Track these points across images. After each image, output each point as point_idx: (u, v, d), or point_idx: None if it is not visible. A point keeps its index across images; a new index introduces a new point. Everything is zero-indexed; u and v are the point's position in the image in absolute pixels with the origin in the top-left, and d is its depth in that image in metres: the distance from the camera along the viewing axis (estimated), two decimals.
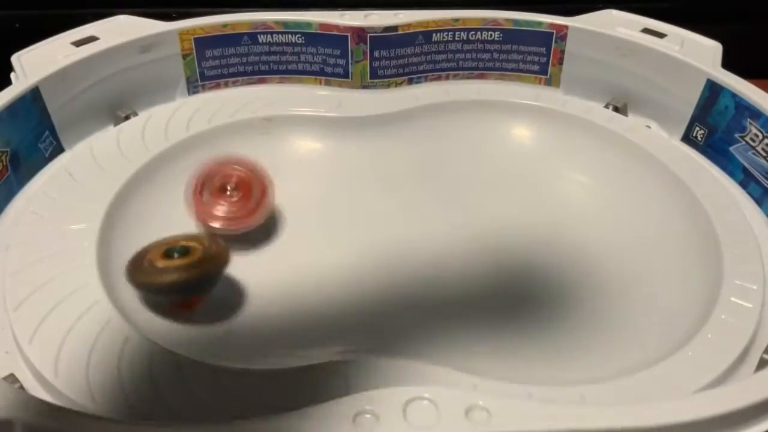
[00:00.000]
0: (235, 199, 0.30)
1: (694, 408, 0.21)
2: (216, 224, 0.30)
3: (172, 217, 0.32)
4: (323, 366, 0.24)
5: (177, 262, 0.27)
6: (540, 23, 0.39)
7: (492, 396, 0.21)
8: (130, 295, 0.28)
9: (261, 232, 0.33)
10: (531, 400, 0.23)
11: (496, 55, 0.40)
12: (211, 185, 0.31)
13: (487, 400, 0.20)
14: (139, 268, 0.27)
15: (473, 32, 0.40)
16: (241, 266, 0.31)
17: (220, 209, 0.30)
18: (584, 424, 0.20)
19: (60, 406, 0.22)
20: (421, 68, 0.40)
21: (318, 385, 0.24)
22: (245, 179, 0.31)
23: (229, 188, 0.30)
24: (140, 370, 0.24)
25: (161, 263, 0.27)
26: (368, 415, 0.20)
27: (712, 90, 0.35)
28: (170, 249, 0.27)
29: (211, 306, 0.29)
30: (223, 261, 0.28)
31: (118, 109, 0.37)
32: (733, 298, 0.27)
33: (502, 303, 0.30)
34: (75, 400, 0.23)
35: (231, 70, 0.40)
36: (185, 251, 0.27)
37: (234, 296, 0.30)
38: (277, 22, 0.39)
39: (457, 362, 0.25)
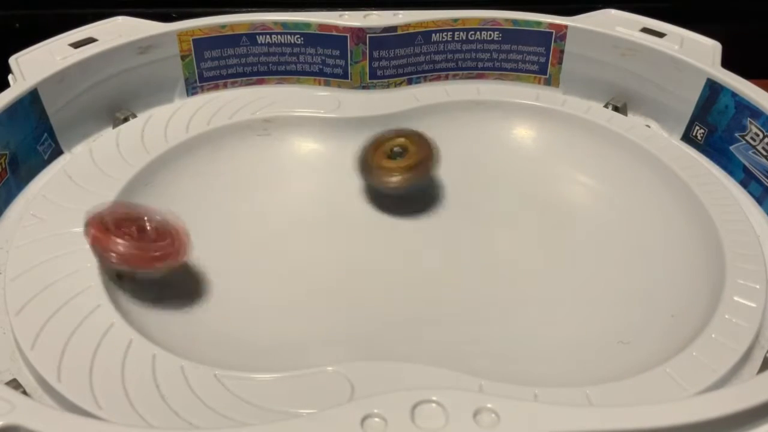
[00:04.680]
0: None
1: (699, 409, 0.21)
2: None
3: None
4: (329, 371, 0.24)
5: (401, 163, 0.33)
6: (539, 23, 0.39)
7: (500, 398, 0.20)
8: (132, 298, 0.28)
9: (262, 234, 0.33)
10: (537, 401, 0.23)
11: (495, 55, 0.40)
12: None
13: (496, 403, 0.20)
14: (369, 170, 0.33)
15: (472, 32, 0.40)
16: (244, 270, 0.31)
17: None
18: (591, 426, 0.20)
19: (63, 411, 0.22)
20: (420, 68, 0.40)
21: (324, 390, 0.24)
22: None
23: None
24: (144, 374, 0.24)
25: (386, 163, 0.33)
26: (376, 419, 0.20)
27: (712, 89, 0.35)
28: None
29: (214, 310, 0.29)
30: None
31: (116, 111, 0.37)
32: (736, 298, 0.27)
33: (504, 304, 0.30)
34: (79, 405, 0.23)
35: (230, 71, 0.39)
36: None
37: (237, 301, 0.29)
38: (276, 23, 0.39)
39: (462, 365, 0.25)
